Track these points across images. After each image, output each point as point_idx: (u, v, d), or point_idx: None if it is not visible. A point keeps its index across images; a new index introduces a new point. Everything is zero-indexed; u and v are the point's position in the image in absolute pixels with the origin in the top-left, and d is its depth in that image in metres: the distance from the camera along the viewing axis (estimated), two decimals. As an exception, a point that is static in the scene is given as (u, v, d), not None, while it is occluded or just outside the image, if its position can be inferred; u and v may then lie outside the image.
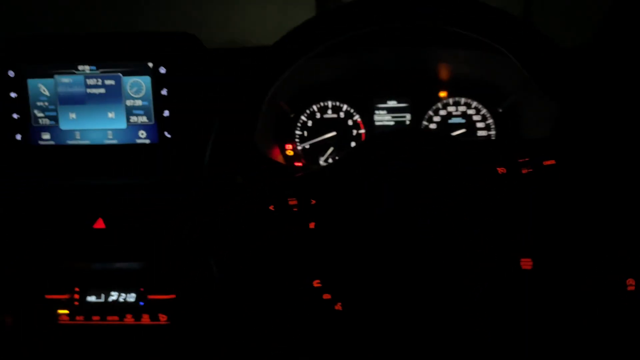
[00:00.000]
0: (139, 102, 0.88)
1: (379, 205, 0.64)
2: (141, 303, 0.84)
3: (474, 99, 1.02)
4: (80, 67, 0.87)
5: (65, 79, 0.88)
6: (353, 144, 1.05)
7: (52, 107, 0.89)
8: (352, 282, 0.65)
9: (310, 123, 1.05)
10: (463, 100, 1.02)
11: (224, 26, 1.33)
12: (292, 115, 1.04)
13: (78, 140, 0.89)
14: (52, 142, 0.90)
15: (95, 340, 0.85)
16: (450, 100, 1.02)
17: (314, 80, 1.02)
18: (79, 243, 0.86)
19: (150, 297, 0.84)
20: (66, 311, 0.85)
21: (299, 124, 1.05)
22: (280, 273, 0.67)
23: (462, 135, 1.02)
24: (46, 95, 0.88)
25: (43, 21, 1.24)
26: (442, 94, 1.02)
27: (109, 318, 0.84)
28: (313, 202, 0.67)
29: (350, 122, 1.04)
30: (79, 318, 0.84)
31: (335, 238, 0.66)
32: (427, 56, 0.98)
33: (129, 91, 0.87)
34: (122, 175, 0.88)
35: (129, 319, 0.84)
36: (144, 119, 0.88)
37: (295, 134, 1.05)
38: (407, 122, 1.03)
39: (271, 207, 0.67)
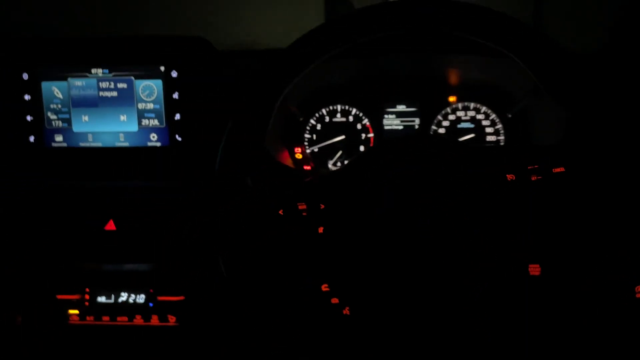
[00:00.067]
0: (150, 105, 0.89)
1: (387, 209, 0.65)
2: (150, 304, 0.85)
3: (483, 104, 1.01)
4: (93, 71, 0.88)
5: (79, 82, 0.89)
6: (362, 147, 1.05)
7: (65, 109, 0.90)
8: (360, 287, 0.65)
9: (319, 126, 1.05)
10: (472, 105, 1.02)
11: (233, 28, 1.34)
12: (301, 119, 1.04)
13: (90, 142, 0.90)
14: (64, 144, 0.91)
15: (104, 341, 0.86)
16: (460, 105, 1.02)
17: (324, 83, 1.02)
18: (90, 244, 0.87)
19: (160, 298, 0.85)
20: (76, 311, 0.86)
21: (308, 128, 1.05)
22: (289, 277, 0.68)
23: (471, 140, 1.02)
24: (59, 98, 0.90)
25: (56, 25, 1.25)
26: (452, 98, 1.02)
27: (119, 319, 0.85)
28: (322, 206, 0.68)
29: (359, 126, 1.05)
30: (89, 318, 0.85)
31: (343, 242, 0.66)
32: (436, 61, 0.99)
33: (140, 94, 0.88)
34: (133, 178, 0.89)
35: (138, 320, 0.84)
36: (155, 122, 0.89)
37: (304, 138, 1.05)
38: (416, 127, 1.04)
39: (280, 211, 0.68)
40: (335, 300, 0.66)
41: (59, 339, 0.86)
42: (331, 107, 1.05)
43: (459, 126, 1.02)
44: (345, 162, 1.05)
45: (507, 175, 0.65)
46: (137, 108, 0.89)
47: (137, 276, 0.86)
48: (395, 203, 0.65)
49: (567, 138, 0.67)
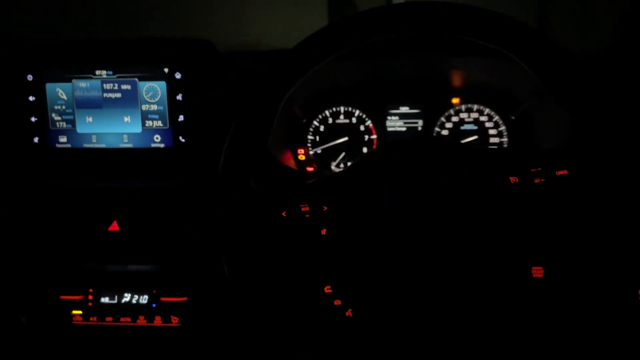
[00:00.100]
0: (154, 107, 0.89)
1: (388, 210, 0.65)
2: (153, 305, 0.85)
3: (486, 105, 1.01)
4: (97, 72, 0.89)
5: (83, 84, 0.89)
6: (365, 149, 1.05)
7: (69, 110, 0.90)
8: (363, 288, 0.66)
9: (322, 128, 1.05)
10: (475, 107, 1.02)
11: (236, 30, 1.34)
12: (304, 121, 1.05)
13: (94, 143, 0.91)
14: (68, 145, 0.91)
15: (107, 341, 0.86)
16: (463, 107, 1.02)
17: (327, 85, 1.03)
18: (94, 245, 0.87)
19: (163, 299, 0.85)
20: (80, 312, 0.86)
21: (311, 129, 1.05)
22: (292, 278, 0.68)
23: (474, 142, 1.02)
24: (64, 99, 0.90)
25: (60, 27, 1.26)
26: (455, 100, 1.02)
27: (122, 319, 0.85)
28: (325, 208, 0.68)
29: (362, 128, 1.05)
30: (93, 319, 0.86)
31: (346, 244, 0.66)
32: (440, 63, 0.99)
33: (144, 96, 0.89)
34: (137, 179, 0.89)
35: (141, 321, 0.85)
36: (159, 124, 0.89)
37: (307, 139, 1.05)
38: (419, 128, 1.04)
39: (283, 213, 0.68)
40: (338, 302, 0.66)
41: (62, 339, 0.87)
42: (334, 109, 1.05)
43: (462, 128, 1.02)
44: (349, 163, 1.05)
45: (510, 178, 0.65)
46: (141, 109, 0.89)
47: (140, 277, 0.86)
48: (396, 203, 0.65)
49: (570, 141, 0.67)
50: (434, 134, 1.03)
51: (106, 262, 0.87)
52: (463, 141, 1.02)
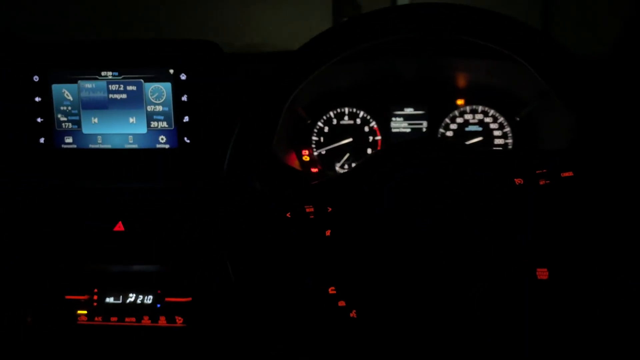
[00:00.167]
0: (159, 108, 0.89)
1: (389, 210, 0.65)
2: (158, 305, 0.85)
3: (491, 107, 1.01)
4: (103, 73, 0.89)
5: (88, 85, 0.90)
6: (369, 150, 1.05)
7: (75, 111, 0.91)
8: (367, 290, 0.66)
9: (326, 129, 1.05)
10: (480, 108, 1.02)
11: (241, 31, 1.35)
12: (308, 122, 1.05)
13: (100, 144, 0.91)
14: (74, 146, 0.92)
15: (112, 341, 0.86)
16: (468, 108, 1.02)
17: (331, 86, 1.03)
18: (99, 245, 0.87)
19: (167, 299, 0.85)
20: (85, 312, 0.86)
21: (315, 130, 1.05)
22: (296, 280, 0.68)
23: (479, 143, 1.01)
24: (69, 100, 0.91)
25: (66, 28, 1.26)
26: (459, 101, 1.02)
27: (127, 319, 0.85)
28: (329, 209, 0.68)
29: (366, 129, 1.05)
30: (98, 319, 0.86)
31: (350, 245, 0.66)
32: (444, 64, 0.99)
33: (149, 97, 0.89)
34: (142, 179, 0.90)
35: (145, 321, 0.85)
36: (164, 124, 0.90)
37: (311, 140, 1.05)
38: (424, 130, 1.04)
39: (288, 214, 0.68)
40: (342, 303, 0.66)
41: (67, 339, 0.87)
42: (339, 110, 1.05)
43: (466, 129, 1.02)
44: (353, 164, 1.05)
45: (515, 179, 0.65)
46: (146, 110, 0.89)
47: (145, 277, 0.86)
48: (396, 203, 0.65)
49: (575, 142, 0.66)
50: (439, 136, 1.03)
51: (111, 262, 0.87)
52: (468, 142, 1.02)
